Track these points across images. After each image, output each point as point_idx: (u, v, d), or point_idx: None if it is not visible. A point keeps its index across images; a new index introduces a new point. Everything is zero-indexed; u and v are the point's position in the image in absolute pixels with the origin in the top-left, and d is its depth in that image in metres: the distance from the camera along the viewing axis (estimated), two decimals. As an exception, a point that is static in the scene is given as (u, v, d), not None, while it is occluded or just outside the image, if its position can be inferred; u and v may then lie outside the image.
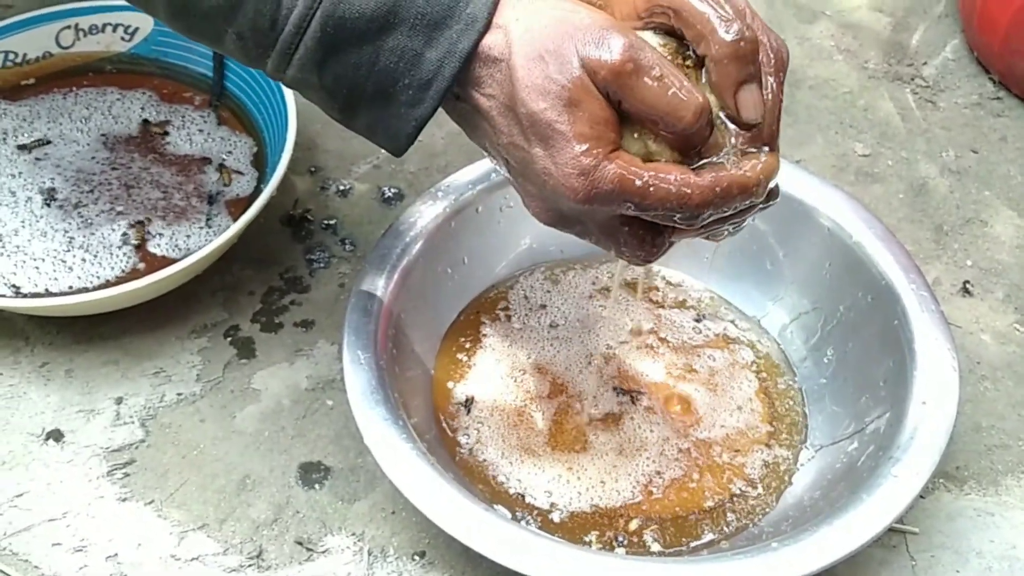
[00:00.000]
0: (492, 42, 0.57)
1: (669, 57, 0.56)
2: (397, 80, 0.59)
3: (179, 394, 0.82)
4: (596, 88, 0.55)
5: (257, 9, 0.59)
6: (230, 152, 0.94)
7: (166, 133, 0.95)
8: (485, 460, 0.76)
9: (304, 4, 0.58)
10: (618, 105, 0.55)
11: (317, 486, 0.77)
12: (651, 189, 0.55)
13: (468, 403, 0.79)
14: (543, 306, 0.87)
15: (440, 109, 0.61)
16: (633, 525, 0.73)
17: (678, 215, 0.56)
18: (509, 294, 0.87)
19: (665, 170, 0.55)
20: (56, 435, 0.79)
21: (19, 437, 0.78)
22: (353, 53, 0.59)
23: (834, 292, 0.82)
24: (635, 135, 0.57)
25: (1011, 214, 1.01)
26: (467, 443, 0.77)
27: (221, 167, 0.93)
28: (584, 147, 0.55)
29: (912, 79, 1.16)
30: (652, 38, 0.57)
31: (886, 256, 0.80)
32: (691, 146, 0.56)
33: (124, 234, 0.87)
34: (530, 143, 0.57)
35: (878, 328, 0.78)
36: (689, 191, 0.55)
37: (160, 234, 0.87)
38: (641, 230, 0.59)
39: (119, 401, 0.81)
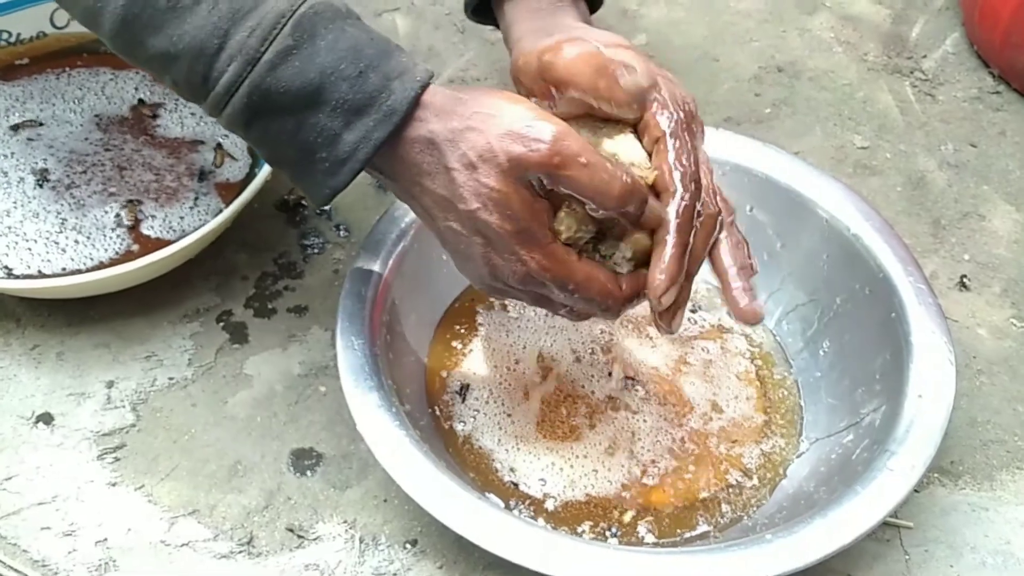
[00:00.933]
0: (418, 134, 0.62)
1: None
2: (315, 152, 0.63)
3: (171, 378, 0.81)
4: (522, 186, 0.60)
5: (191, 67, 0.62)
6: (225, 135, 0.93)
7: (155, 115, 0.95)
8: (480, 448, 0.76)
9: (234, 72, 0.61)
10: (552, 188, 0.61)
11: (309, 472, 0.76)
12: (580, 289, 0.63)
13: (463, 391, 0.79)
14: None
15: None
16: (627, 517, 0.73)
17: (599, 311, 0.65)
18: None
19: (594, 275, 0.63)
20: (46, 418, 0.78)
21: (9, 420, 0.78)
22: (277, 121, 0.63)
23: (831, 284, 0.82)
24: (567, 211, 0.62)
25: (1009, 208, 1.01)
26: (462, 431, 0.77)
27: (218, 146, 0.92)
28: (520, 241, 0.61)
29: (911, 72, 1.15)
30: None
31: (884, 248, 0.79)
32: (624, 224, 0.62)
33: (117, 215, 0.86)
34: (470, 234, 0.62)
35: (875, 321, 0.78)
36: (612, 293, 0.64)
37: (153, 216, 0.86)
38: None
39: (110, 385, 0.80)
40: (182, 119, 0.94)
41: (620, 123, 0.65)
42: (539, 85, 0.67)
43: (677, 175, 0.62)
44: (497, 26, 0.82)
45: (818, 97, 1.11)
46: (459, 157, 0.61)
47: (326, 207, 0.69)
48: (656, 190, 0.63)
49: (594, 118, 0.66)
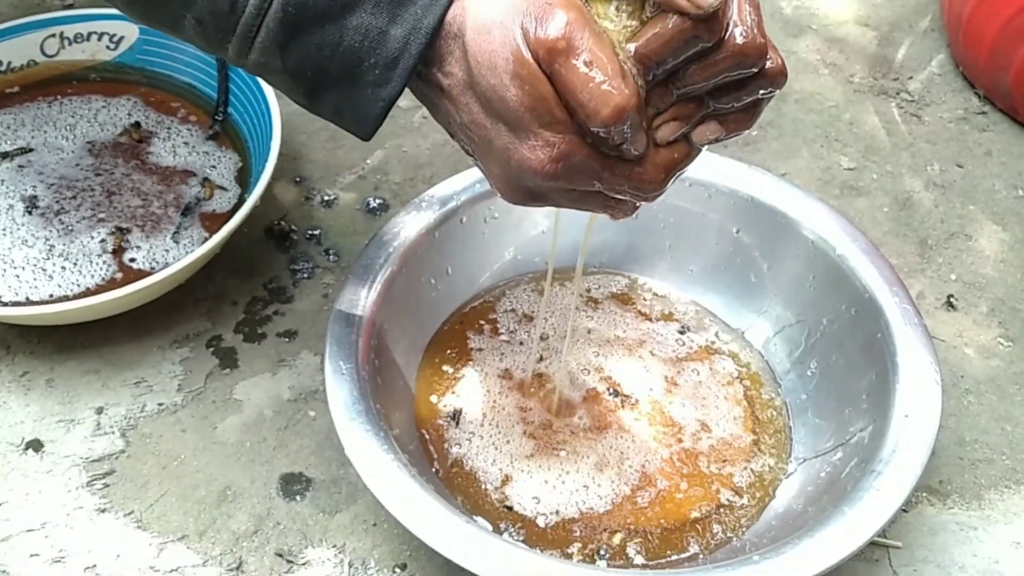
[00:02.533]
0: (451, 18, 0.56)
1: (626, 21, 0.54)
2: (363, 60, 0.57)
3: (160, 404, 0.81)
4: (538, 63, 0.53)
5: None
6: (214, 167, 0.94)
7: (141, 141, 0.95)
8: (471, 471, 0.76)
9: None
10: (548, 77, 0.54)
11: (298, 497, 0.76)
12: (618, 172, 0.55)
13: (456, 416, 0.79)
14: (530, 318, 0.86)
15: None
16: (617, 539, 0.73)
17: (638, 197, 0.57)
18: (496, 305, 0.87)
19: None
20: (36, 445, 0.78)
21: (-2, 447, 0.78)
22: (316, 34, 0.57)
23: (818, 305, 0.82)
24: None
25: (995, 228, 1.02)
26: (454, 455, 0.77)
27: (205, 180, 0.92)
28: (543, 122, 0.54)
29: (897, 93, 1.16)
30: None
31: (870, 269, 0.80)
32: (604, 145, 0.54)
33: (103, 240, 0.86)
34: (491, 120, 0.56)
35: (861, 341, 0.78)
36: (646, 176, 0.55)
37: (138, 247, 0.87)
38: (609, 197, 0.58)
39: (100, 411, 0.80)
40: (175, 148, 0.95)
41: None
42: None
43: None
44: None
45: (804, 119, 1.12)
46: (478, 31, 0.54)
47: (369, 139, 0.61)
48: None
49: None
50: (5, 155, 0.92)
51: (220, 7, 0.58)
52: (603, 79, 0.51)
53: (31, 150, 0.93)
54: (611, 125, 0.52)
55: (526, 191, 0.58)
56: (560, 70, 0.52)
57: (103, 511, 0.75)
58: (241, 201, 0.90)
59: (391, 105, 0.59)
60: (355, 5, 0.56)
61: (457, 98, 0.58)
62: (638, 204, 0.59)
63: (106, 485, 0.76)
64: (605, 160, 0.55)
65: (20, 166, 0.92)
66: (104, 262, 0.85)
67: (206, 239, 0.85)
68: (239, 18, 0.58)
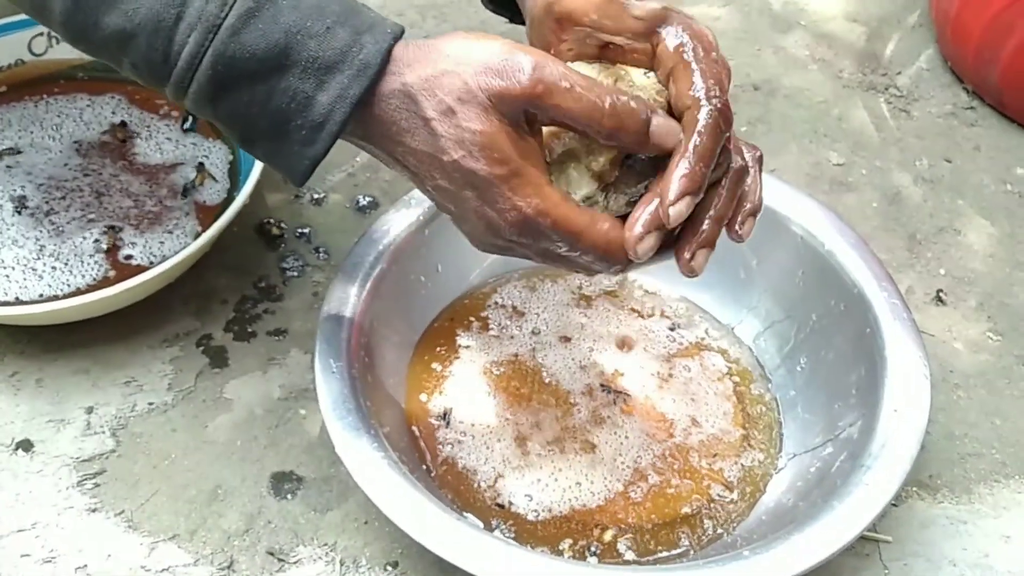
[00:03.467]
0: (392, 88, 0.58)
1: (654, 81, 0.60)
2: (290, 120, 0.59)
3: (150, 403, 0.81)
4: (508, 124, 0.56)
5: (149, 44, 0.59)
6: (207, 156, 0.94)
7: (125, 140, 0.95)
8: (463, 469, 0.76)
9: (195, 42, 0.58)
10: (541, 122, 0.58)
11: (289, 496, 0.76)
12: (582, 237, 0.58)
13: (446, 415, 0.79)
14: (522, 313, 0.87)
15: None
16: (608, 535, 0.73)
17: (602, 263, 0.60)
18: (486, 302, 0.87)
19: (596, 219, 0.58)
20: (26, 445, 0.78)
21: (-12, 447, 0.78)
22: (245, 92, 0.59)
23: (807, 300, 0.83)
24: (559, 140, 0.59)
25: (984, 223, 1.02)
26: (445, 453, 0.77)
27: (200, 166, 0.92)
28: (512, 185, 0.57)
29: (886, 88, 1.17)
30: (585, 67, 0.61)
31: (858, 264, 0.80)
32: (625, 147, 0.58)
33: (96, 240, 0.86)
34: (459, 187, 0.58)
35: (850, 336, 0.79)
36: (615, 239, 0.58)
37: (133, 242, 0.86)
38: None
39: (90, 411, 0.80)
40: (160, 146, 0.95)
41: (635, 66, 0.61)
42: (549, 27, 0.63)
43: (700, 87, 0.56)
44: (514, 15, 0.75)
45: (793, 114, 1.12)
46: (435, 105, 0.57)
47: (300, 186, 0.64)
48: (675, 111, 0.58)
49: (606, 60, 0.62)
50: (-6, 155, 0.92)
51: (154, 57, 0.59)
52: (590, 91, 0.55)
53: (19, 151, 0.93)
54: (619, 123, 0.55)
55: (496, 248, 0.62)
56: (548, 106, 0.55)
57: (94, 511, 0.75)
58: (231, 197, 0.90)
59: (318, 163, 0.61)
60: (284, 69, 0.58)
61: (416, 166, 0.60)
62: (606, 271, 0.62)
63: (96, 485, 0.76)
64: (573, 226, 0.58)
65: (8, 166, 0.91)
66: (96, 262, 0.85)
67: (199, 233, 0.85)
68: (171, 69, 0.59)
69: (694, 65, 0.57)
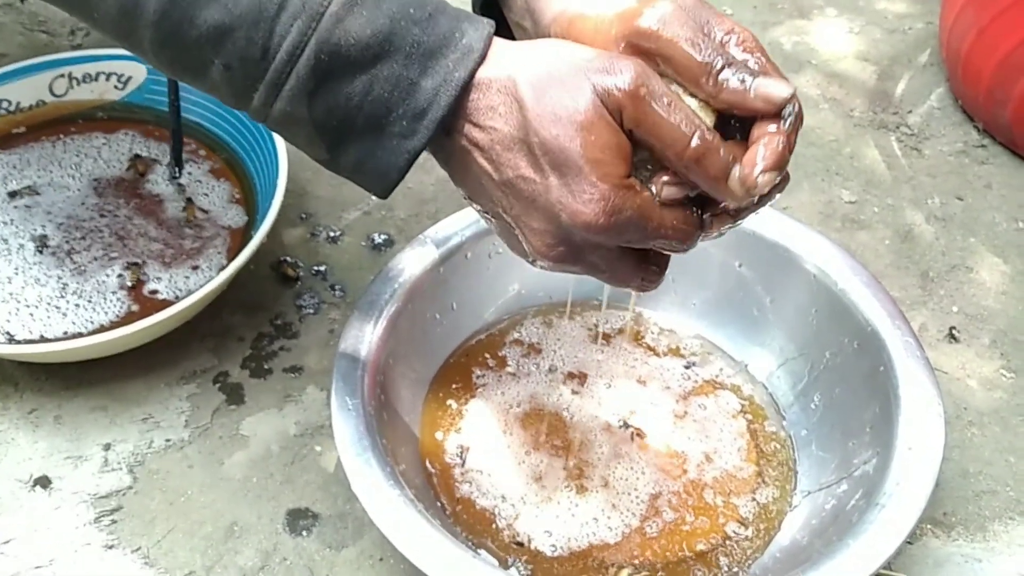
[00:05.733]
0: (491, 74, 0.57)
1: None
2: (391, 110, 0.58)
3: (167, 440, 0.82)
4: (609, 114, 0.55)
5: (248, 37, 0.57)
6: (206, 195, 0.96)
7: (144, 173, 0.97)
8: (480, 507, 0.76)
9: (298, 31, 0.56)
10: (629, 133, 0.55)
11: (305, 533, 0.77)
12: (665, 223, 0.56)
13: (463, 453, 0.79)
14: (539, 350, 0.87)
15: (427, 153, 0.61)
16: (624, 574, 0.73)
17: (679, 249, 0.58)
18: (504, 339, 0.88)
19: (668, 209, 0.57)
20: (43, 481, 0.78)
21: (6, 483, 0.78)
22: (347, 82, 0.57)
23: (820, 338, 0.83)
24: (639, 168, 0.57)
25: (996, 260, 1.02)
26: (462, 492, 0.77)
27: (188, 201, 0.95)
28: (601, 173, 0.55)
29: (897, 127, 1.17)
30: None
31: (872, 303, 0.80)
32: (695, 180, 0.55)
33: (120, 275, 0.87)
34: (544, 173, 0.56)
35: (864, 374, 0.79)
36: (691, 219, 0.57)
37: (159, 277, 0.88)
38: (643, 260, 0.60)
39: (107, 447, 0.81)
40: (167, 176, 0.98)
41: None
42: (602, 42, 0.59)
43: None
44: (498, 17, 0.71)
45: (805, 153, 1.13)
46: (533, 85, 0.56)
47: (387, 196, 0.62)
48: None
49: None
50: (13, 194, 0.93)
51: (252, 52, 0.57)
52: (685, 116, 0.54)
53: (38, 192, 0.94)
54: (697, 160, 0.54)
55: (569, 247, 0.59)
56: (646, 112, 0.54)
57: (111, 547, 0.75)
58: (249, 232, 0.91)
59: (415, 158, 0.59)
60: (388, 55, 0.57)
61: (500, 154, 0.58)
62: (663, 274, 0.61)
63: (114, 521, 0.76)
64: (654, 211, 0.56)
65: (28, 206, 0.93)
66: (118, 298, 0.86)
67: (223, 266, 0.86)
68: (270, 64, 0.57)
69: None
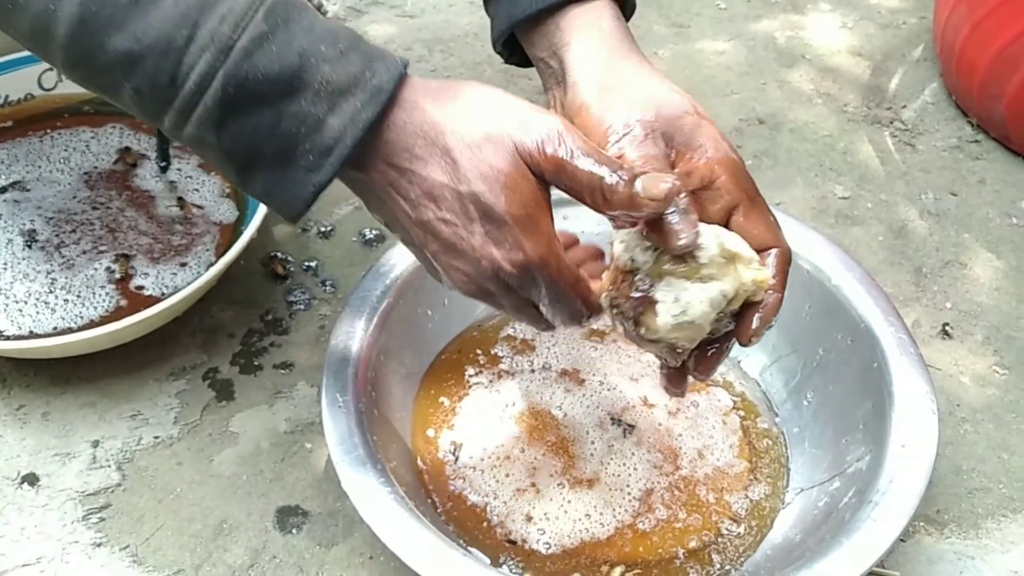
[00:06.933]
0: (407, 117, 0.59)
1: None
2: (297, 145, 0.58)
3: (156, 437, 0.81)
4: (530, 172, 0.58)
5: (157, 65, 0.57)
6: (196, 190, 0.95)
7: (135, 164, 0.96)
8: (472, 504, 0.76)
9: (206, 62, 0.56)
10: (552, 185, 0.59)
11: (295, 531, 0.76)
12: (572, 286, 0.60)
13: (456, 450, 0.79)
14: (532, 347, 0.87)
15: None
16: (617, 572, 0.73)
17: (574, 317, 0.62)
18: (497, 335, 0.87)
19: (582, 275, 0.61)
20: (31, 479, 0.78)
21: (-6, 481, 0.78)
22: (254, 115, 0.58)
23: (814, 335, 0.83)
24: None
25: (990, 256, 1.02)
26: (453, 488, 0.77)
27: (180, 199, 0.94)
28: (525, 229, 0.58)
29: (891, 122, 1.17)
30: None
31: (865, 299, 0.80)
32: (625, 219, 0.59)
33: (108, 268, 0.87)
34: (471, 220, 0.59)
35: (857, 371, 0.78)
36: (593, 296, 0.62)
37: (145, 272, 0.87)
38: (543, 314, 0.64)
39: (95, 444, 0.80)
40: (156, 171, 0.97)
41: None
42: (650, 135, 0.64)
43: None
44: (521, 60, 0.76)
45: (798, 148, 1.13)
46: (462, 137, 0.58)
47: (295, 222, 0.64)
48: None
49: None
50: (1, 190, 0.93)
51: (160, 79, 0.57)
52: (604, 164, 0.57)
53: (28, 189, 0.93)
54: (622, 199, 0.57)
55: (482, 290, 0.62)
56: (564, 170, 0.57)
57: (99, 545, 0.74)
58: (239, 228, 0.90)
59: (321, 191, 0.60)
60: (296, 92, 0.57)
61: (419, 197, 0.60)
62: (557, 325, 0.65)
63: (102, 519, 0.76)
64: (572, 275, 0.60)
65: (16, 201, 0.92)
66: (107, 293, 0.85)
67: (212, 264, 0.85)
68: (178, 92, 0.58)
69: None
